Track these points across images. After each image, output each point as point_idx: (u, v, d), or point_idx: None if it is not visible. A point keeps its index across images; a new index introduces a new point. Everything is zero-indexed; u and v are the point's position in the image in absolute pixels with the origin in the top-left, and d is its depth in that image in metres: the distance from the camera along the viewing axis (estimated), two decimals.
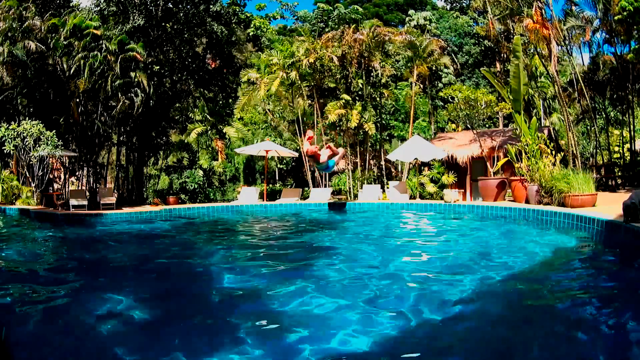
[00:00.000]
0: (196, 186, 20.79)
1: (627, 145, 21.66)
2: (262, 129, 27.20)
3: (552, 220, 9.20)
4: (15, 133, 14.62)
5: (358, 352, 3.33)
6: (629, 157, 21.09)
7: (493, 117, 27.76)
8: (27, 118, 15.74)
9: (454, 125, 26.02)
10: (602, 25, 19.18)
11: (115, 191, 20.75)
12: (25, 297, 4.73)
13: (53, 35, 16.95)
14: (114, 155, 23.38)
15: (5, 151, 15.00)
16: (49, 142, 14.73)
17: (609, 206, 9.05)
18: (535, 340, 3.53)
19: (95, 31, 17.21)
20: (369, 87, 20.85)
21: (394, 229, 10.90)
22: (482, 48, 31.71)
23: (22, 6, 16.51)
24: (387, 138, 27.57)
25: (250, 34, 36.11)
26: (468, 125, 17.34)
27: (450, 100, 17.71)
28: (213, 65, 27.14)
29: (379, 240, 8.80)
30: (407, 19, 33.51)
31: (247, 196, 17.13)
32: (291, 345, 3.46)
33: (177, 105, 23.81)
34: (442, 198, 14.49)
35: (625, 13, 13.85)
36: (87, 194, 17.06)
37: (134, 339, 3.63)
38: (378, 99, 22.09)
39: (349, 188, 20.41)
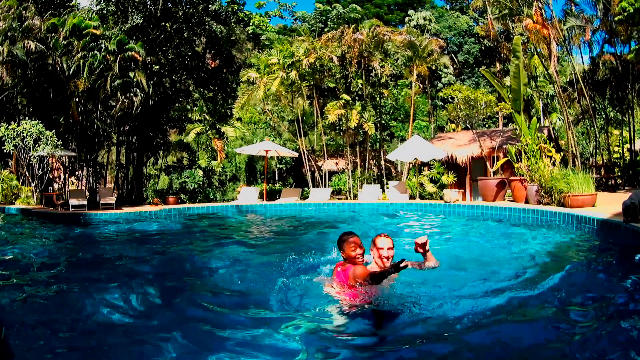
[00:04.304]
0: (196, 186, 20.78)
1: (627, 146, 21.69)
2: (261, 128, 27.20)
3: (551, 221, 9.20)
4: (15, 133, 14.61)
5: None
6: (628, 157, 21.10)
7: (493, 117, 27.78)
8: (27, 118, 15.74)
9: (453, 125, 26.02)
10: (602, 25, 19.19)
11: (115, 191, 20.76)
12: (24, 296, 4.73)
13: (53, 35, 16.95)
14: (113, 155, 23.38)
15: (5, 151, 14.99)
16: (49, 142, 14.72)
17: (609, 206, 9.04)
18: (533, 341, 3.53)
19: (94, 31, 17.22)
20: (369, 87, 20.85)
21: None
22: (482, 48, 31.71)
23: (22, 6, 16.51)
24: (387, 138, 27.57)
25: (250, 32, 36.05)
26: (468, 125, 17.33)
27: (450, 100, 17.72)
28: (212, 65, 27.14)
29: None
30: (406, 18, 33.51)
31: (247, 196, 17.14)
32: (291, 344, 3.45)
33: (177, 105, 23.81)
34: (442, 198, 14.49)
35: (625, 14, 13.86)
36: (87, 193, 17.05)
37: (132, 338, 3.63)
38: (378, 99, 22.08)
39: (349, 188, 20.41)
